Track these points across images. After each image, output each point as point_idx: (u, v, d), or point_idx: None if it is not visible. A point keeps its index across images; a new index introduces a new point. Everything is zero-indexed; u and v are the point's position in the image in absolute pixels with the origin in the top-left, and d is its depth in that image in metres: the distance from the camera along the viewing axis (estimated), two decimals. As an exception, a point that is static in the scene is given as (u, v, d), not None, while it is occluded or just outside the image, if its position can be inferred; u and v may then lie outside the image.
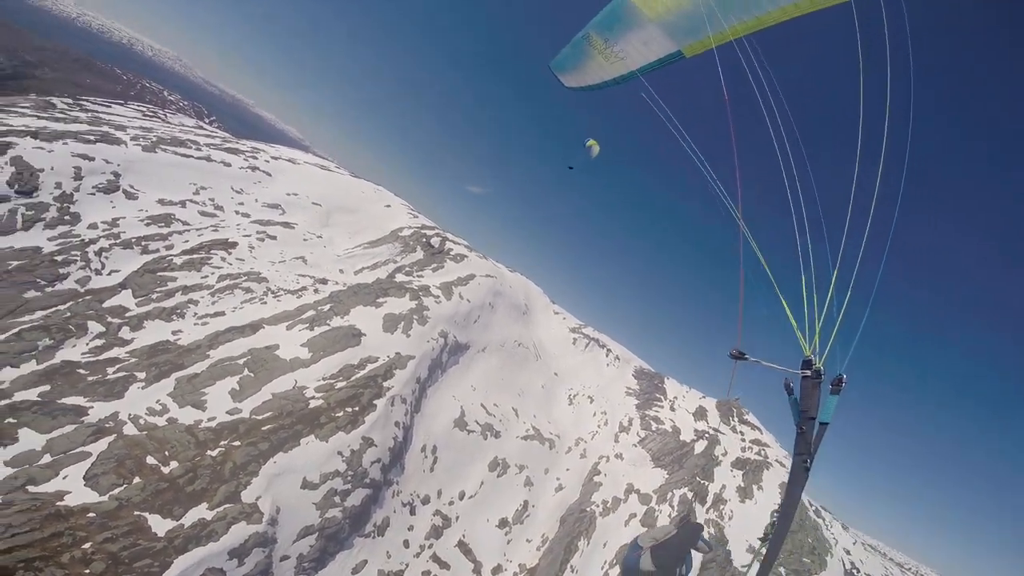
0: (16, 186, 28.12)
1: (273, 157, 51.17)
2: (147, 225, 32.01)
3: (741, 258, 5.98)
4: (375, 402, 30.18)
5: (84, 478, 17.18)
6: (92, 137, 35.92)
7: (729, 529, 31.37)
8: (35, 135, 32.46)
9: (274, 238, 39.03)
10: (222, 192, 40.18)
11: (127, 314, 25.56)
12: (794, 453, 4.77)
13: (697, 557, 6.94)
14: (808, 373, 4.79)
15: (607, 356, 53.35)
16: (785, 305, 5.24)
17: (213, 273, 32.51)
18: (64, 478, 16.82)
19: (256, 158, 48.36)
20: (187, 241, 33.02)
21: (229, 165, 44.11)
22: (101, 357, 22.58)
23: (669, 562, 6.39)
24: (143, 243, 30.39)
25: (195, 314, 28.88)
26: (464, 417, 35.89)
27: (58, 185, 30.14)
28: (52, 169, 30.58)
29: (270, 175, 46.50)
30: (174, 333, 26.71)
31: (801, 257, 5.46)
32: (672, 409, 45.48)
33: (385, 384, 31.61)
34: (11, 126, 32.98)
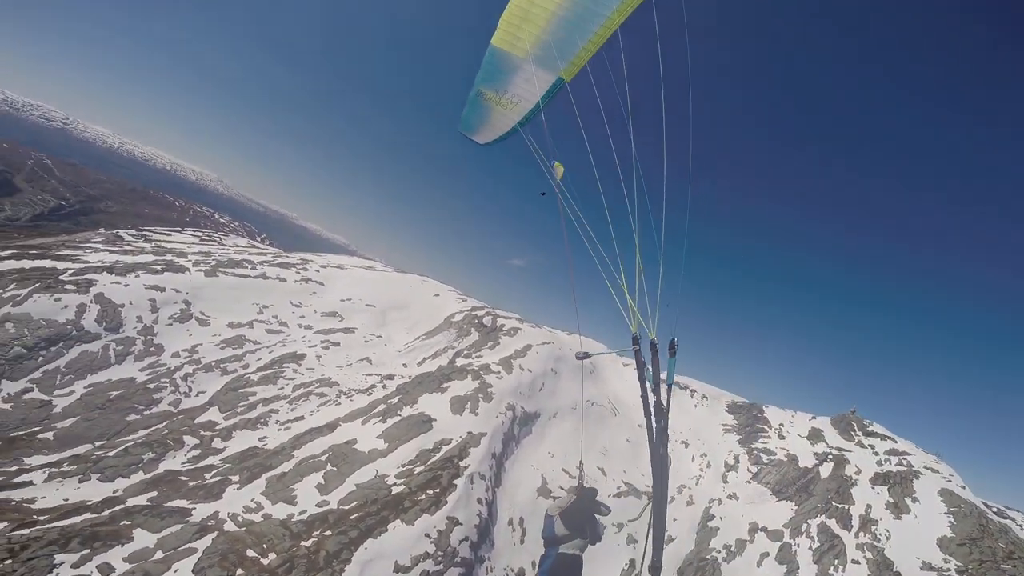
0: (104, 324, 33.35)
1: (322, 266, 57.13)
2: (222, 349, 36.70)
3: (569, 259, 7.12)
4: (455, 482, 30.58)
5: (193, 571, 18.77)
6: (159, 267, 41.45)
7: (890, 550, 27.55)
8: (110, 270, 37.90)
9: (337, 344, 42.79)
10: (283, 308, 45.15)
11: (217, 427, 28.77)
12: (648, 416, 5.66)
13: (603, 520, 7.68)
14: (638, 347, 5.72)
15: (692, 397, 51.06)
16: (610, 287, 6.10)
17: (288, 384, 35.95)
18: (176, 572, 18.52)
19: (307, 269, 54.17)
20: (260, 359, 37.16)
21: (284, 280, 49.43)
22: (199, 465, 25.43)
23: (578, 523, 7.24)
24: (222, 365, 34.73)
25: (277, 421, 31.76)
26: (547, 485, 35.17)
27: (139, 319, 35.18)
28: (131, 304, 35.76)
29: (323, 284, 51.75)
30: (260, 439, 29.43)
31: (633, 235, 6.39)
32: (781, 437, 41.99)
33: (462, 464, 32.13)
34: (89, 262, 38.72)
